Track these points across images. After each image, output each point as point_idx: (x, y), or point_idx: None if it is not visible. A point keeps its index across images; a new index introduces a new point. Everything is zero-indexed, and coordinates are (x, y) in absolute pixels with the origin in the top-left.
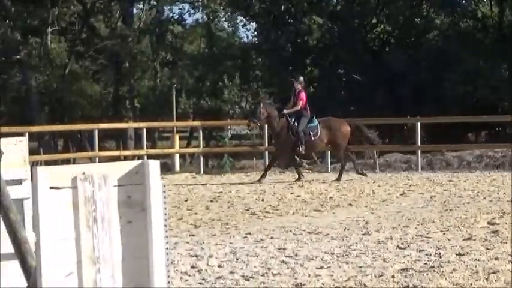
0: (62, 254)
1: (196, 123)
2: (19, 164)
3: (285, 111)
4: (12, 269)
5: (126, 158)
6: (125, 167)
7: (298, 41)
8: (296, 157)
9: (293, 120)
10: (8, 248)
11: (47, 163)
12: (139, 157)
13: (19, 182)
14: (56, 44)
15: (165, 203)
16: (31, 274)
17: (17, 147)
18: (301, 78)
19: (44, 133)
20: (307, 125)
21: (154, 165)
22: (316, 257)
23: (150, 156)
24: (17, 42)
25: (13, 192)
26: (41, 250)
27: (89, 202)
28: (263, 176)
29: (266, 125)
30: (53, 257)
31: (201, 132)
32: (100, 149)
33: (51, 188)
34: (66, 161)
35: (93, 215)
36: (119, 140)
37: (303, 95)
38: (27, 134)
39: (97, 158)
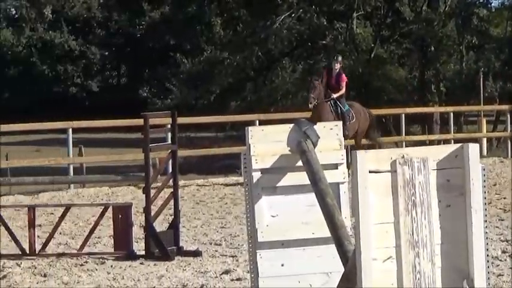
0: (380, 238)
1: (504, 107)
2: (335, 149)
3: (334, 96)
4: (328, 252)
5: (431, 143)
6: (444, 150)
7: None
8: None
9: (333, 102)
10: (325, 232)
11: (353, 148)
12: (446, 141)
13: (335, 166)
14: (361, 29)
15: (484, 186)
16: (348, 259)
17: (332, 131)
18: (340, 58)
19: None
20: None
21: (473, 149)
22: None
23: (456, 141)
24: (323, 28)
25: (329, 177)
26: (360, 234)
27: (408, 186)
28: None
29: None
30: (372, 241)
31: (508, 116)
32: (406, 134)
33: (370, 171)
34: (372, 146)
35: (412, 199)
36: (424, 125)
37: (344, 76)
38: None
39: (404, 143)
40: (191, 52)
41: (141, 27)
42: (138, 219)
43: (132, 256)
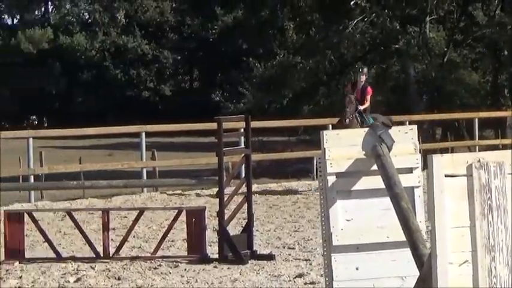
0: (456, 242)
1: None
2: (410, 152)
3: (361, 108)
4: (403, 256)
5: (504, 147)
6: None
7: None
8: None
9: (359, 116)
10: (400, 236)
11: (425, 152)
12: None
13: (410, 170)
14: (434, 33)
15: None
16: (423, 262)
17: (407, 135)
18: (366, 69)
19: (422, 122)
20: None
21: None
22: None
23: None
24: (396, 32)
25: (404, 181)
26: (436, 238)
27: (484, 190)
28: None
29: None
30: (448, 245)
31: None
32: (478, 138)
33: (446, 176)
34: (445, 150)
35: (488, 203)
36: (497, 129)
37: (370, 88)
38: (407, 123)
39: (477, 147)
40: (264, 56)
41: (213, 31)
42: (211, 223)
43: (205, 260)
